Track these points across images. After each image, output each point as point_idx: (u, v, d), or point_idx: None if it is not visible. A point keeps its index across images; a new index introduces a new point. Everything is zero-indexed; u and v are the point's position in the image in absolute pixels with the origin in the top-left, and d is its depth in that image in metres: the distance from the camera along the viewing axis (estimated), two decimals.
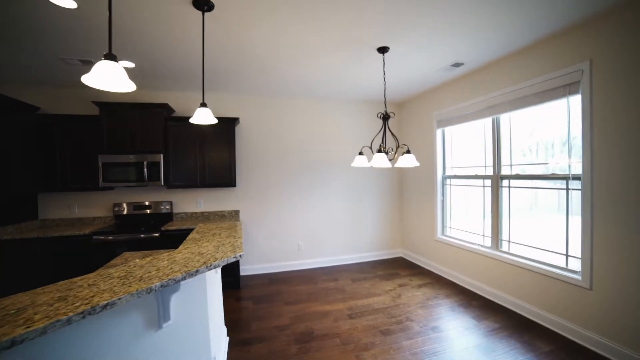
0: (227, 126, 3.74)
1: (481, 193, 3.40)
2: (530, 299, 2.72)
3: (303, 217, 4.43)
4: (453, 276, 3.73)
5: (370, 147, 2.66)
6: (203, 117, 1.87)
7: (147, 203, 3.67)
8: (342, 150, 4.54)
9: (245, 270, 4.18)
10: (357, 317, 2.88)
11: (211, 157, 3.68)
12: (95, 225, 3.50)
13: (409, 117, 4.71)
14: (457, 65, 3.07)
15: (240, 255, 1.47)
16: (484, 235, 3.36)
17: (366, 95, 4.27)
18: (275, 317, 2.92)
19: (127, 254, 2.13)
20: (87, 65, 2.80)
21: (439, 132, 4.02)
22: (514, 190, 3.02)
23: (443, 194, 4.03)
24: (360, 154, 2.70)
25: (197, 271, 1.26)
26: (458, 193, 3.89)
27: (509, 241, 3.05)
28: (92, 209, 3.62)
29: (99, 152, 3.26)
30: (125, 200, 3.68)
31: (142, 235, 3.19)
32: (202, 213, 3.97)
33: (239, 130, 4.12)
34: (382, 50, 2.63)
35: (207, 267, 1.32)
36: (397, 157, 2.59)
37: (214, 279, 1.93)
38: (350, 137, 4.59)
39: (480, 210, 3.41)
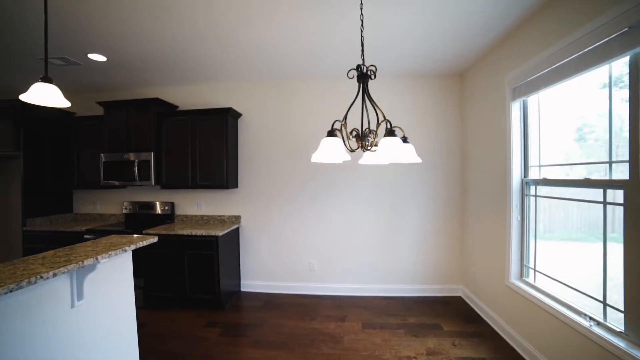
0: (219, 119, 3.27)
1: (598, 213, 1.75)
2: None
3: (318, 229, 3.54)
4: (533, 357, 2.10)
5: (340, 130, 1.58)
6: (41, 95, 1.33)
7: (149, 203, 3.59)
8: None
9: (245, 286, 3.62)
10: None
11: (203, 154, 3.28)
12: (109, 221, 3.65)
13: (472, 91, 3.16)
14: None
15: None
16: (605, 303, 1.67)
17: (401, 67, 3.04)
18: None
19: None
20: (69, 64, 2.80)
21: (515, 107, 2.42)
22: None
23: (522, 211, 2.40)
24: (333, 134, 1.57)
25: None
26: (551, 210, 2.21)
27: None
28: (110, 205, 3.80)
29: (101, 150, 3.33)
30: (133, 199, 3.71)
31: None
32: (202, 217, 3.64)
33: (242, 124, 3.61)
34: None
35: None
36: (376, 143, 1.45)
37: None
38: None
39: (598, 248, 1.74)
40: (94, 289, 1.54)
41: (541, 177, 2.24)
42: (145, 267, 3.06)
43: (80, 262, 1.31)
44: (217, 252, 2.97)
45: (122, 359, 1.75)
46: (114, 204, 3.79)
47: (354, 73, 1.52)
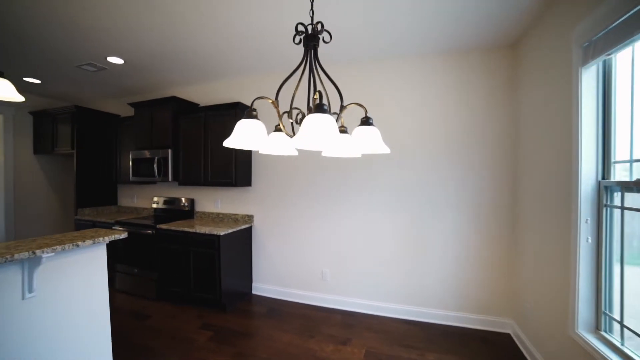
0: (229, 114, 3.18)
1: None
2: None
3: (333, 235, 3.16)
4: None
5: (290, 113, 1.21)
6: None
7: (172, 199, 3.76)
8: (397, 136, 2.86)
9: (257, 289, 3.48)
10: None
11: (214, 151, 3.25)
12: (142, 214, 3.96)
13: (527, 65, 2.35)
14: None
15: None
16: None
17: (435, 40, 2.45)
18: None
19: None
20: (98, 69, 3.06)
21: (587, 74, 1.63)
22: None
23: (599, 230, 1.60)
24: (250, 115, 1.12)
25: None
26: None
27: None
28: (144, 200, 4.13)
29: (131, 149, 3.61)
30: (161, 195, 3.94)
31: (142, 231, 3.22)
32: (218, 214, 3.63)
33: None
34: None
35: None
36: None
37: None
38: (415, 116, 2.83)
39: None
40: (45, 282, 1.53)
41: (634, 179, 1.43)
42: (160, 261, 3.17)
43: (8, 257, 1.28)
44: (218, 252, 2.88)
45: (85, 354, 1.73)
46: (147, 198, 4.11)
47: (299, 37, 1.14)
